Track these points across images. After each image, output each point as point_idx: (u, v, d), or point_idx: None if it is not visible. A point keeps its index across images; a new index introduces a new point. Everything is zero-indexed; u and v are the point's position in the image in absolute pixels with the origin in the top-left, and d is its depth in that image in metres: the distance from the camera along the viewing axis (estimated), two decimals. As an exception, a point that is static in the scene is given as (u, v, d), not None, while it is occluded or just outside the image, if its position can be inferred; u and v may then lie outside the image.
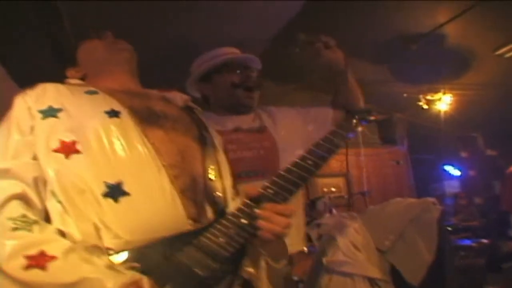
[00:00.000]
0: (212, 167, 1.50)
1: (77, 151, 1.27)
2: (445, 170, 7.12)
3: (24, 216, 1.17)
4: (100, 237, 1.18)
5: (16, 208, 1.18)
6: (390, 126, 6.34)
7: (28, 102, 1.39)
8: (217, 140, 1.65)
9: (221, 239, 1.22)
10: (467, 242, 5.22)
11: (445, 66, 5.50)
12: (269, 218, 1.25)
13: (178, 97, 1.69)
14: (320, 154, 1.36)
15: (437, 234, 2.66)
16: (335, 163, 6.13)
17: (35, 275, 1.07)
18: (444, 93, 6.09)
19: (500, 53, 5.34)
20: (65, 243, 1.16)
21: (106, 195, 1.22)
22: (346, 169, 5.80)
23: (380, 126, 6.41)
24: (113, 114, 1.38)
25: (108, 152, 1.29)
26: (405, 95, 6.02)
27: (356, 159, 6.38)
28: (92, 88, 1.51)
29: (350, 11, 4.27)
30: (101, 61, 1.66)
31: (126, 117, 1.39)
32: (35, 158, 1.28)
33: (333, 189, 6.09)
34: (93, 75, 1.66)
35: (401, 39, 4.85)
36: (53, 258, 1.10)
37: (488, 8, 4.33)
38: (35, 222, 1.18)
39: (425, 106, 6.14)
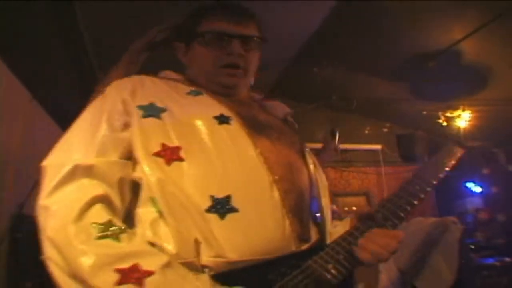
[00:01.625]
0: (318, 182, 1.43)
1: (180, 158, 1.17)
2: (466, 187, 7.05)
3: (110, 222, 1.06)
4: (198, 254, 1.07)
5: (100, 213, 1.08)
6: (410, 143, 6.32)
7: (123, 94, 1.30)
8: (313, 157, 1.54)
9: (330, 265, 1.13)
10: (490, 261, 5.16)
11: (464, 83, 5.48)
12: (378, 242, 1.16)
13: (280, 108, 1.60)
14: (426, 179, 1.34)
15: (458, 254, 2.65)
16: (356, 181, 6.13)
17: None
18: (463, 110, 6.04)
19: (519, 68, 5.33)
20: (162, 257, 1.04)
21: (210, 210, 1.11)
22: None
23: (400, 144, 6.41)
24: (223, 120, 1.29)
25: (216, 162, 1.19)
26: (424, 112, 5.99)
27: (377, 177, 6.36)
28: (194, 88, 1.43)
29: (368, 29, 4.30)
30: (206, 69, 1.49)
31: (236, 124, 1.30)
32: (123, 157, 1.19)
33: (354, 208, 6.06)
34: (195, 72, 1.53)
35: (418, 57, 4.86)
36: (149, 273, 0.98)
37: (504, 24, 4.33)
38: (123, 230, 1.07)
39: (445, 123, 6.11)
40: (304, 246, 1.21)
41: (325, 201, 1.43)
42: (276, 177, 1.22)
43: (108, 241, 1.02)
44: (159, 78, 1.49)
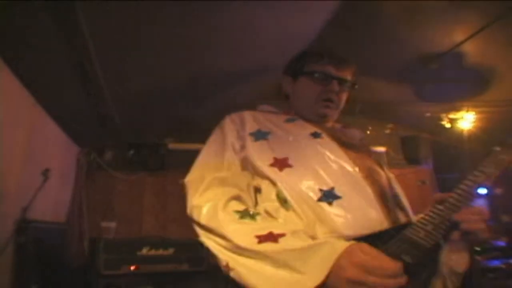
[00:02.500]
0: (395, 186, 1.79)
1: (289, 165, 1.59)
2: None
3: (246, 209, 1.47)
4: (315, 232, 1.42)
5: (238, 205, 1.50)
6: (414, 146, 6.31)
7: (236, 126, 1.77)
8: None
9: (421, 233, 1.38)
10: (496, 263, 5.14)
11: (466, 84, 5.48)
12: (473, 216, 1.42)
13: (356, 133, 2.01)
14: (487, 169, 1.56)
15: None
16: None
17: (268, 246, 1.30)
18: (467, 111, 6.04)
19: (522, 70, 5.32)
20: (290, 226, 1.41)
21: (321, 199, 1.49)
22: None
23: (405, 146, 6.39)
24: (317, 135, 1.74)
25: (317, 164, 1.59)
26: (428, 114, 5.99)
27: (435, 200, 6.29)
28: (290, 116, 1.91)
29: (370, 32, 4.29)
30: (308, 100, 1.95)
31: (327, 138, 1.74)
32: (243, 169, 1.64)
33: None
34: (297, 100, 2.01)
35: (421, 59, 4.86)
36: (282, 235, 1.33)
37: (506, 25, 4.33)
38: (257, 213, 1.48)
39: (448, 125, 6.10)
40: (398, 224, 1.53)
41: (402, 194, 1.81)
42: (364, 174, 1.62)
43: (247, 219, 1.43)
44: (258, 111, 1.96)
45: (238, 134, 1.73)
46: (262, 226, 1.39)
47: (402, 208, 1.70)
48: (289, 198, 1.49)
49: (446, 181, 6.96)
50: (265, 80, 4.71)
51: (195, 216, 1.50)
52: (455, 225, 1.40)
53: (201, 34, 3.51)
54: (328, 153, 1.65)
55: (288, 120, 1.86)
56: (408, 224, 1.47)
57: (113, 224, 5.17)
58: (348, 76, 1.96)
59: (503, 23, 4.25)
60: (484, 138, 6.05)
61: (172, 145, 5.59)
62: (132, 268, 4.47)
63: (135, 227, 5.41)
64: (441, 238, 1.39)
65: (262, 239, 1.32)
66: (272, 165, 1.59)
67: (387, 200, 1.62)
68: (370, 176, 1.66)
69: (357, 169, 1.63)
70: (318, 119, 1.92)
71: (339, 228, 1.42)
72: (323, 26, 3.81)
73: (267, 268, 1.28)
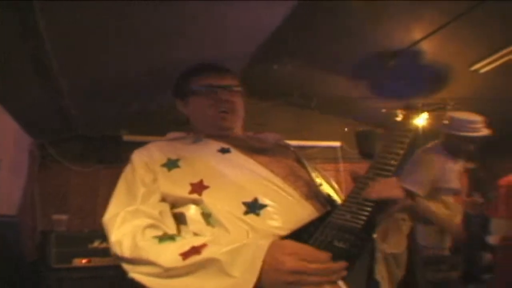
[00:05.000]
0: (317, 175, 1.78)
1: (206, 187, 1.57)
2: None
3: (165, 233, 1.47)
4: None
5: (155, 231, 1.49)
6: (369, 141, 6.38)
7: (144, 159, 1.74)
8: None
9: (347, 216, 1.39)
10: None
11: (423, 82, 5.57)
12: (382, 185, 1.46)
13: (270, 137, 2.02)
14: (400, 136, 1.66)
15: (406, 250, 2.67)
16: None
17: (193, 259, 1.29)
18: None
19: (476, 69, 5.43)
20: (209, 237, 1.43)
21: (247, 213, 1.48)
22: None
23: (359, 141, 6.47)
24: (225, 151, 1.75)
25: (234, 179, 1.59)
26: (383, 110, 6.05)
27: (335, 174, 6.39)
28: (196, 137, 1.90)
29: (329, 27, 4.32)
30: (204, 117, 1.96)
31: (235, 151, 1.74)
32: (158, 200, 1.62)
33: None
34: (198, 119, 2.00)
35: (379, 55, 4.91)
36: (204, 245, 1.32)
37: (463, 25, 4.41)
38: (175, 235, 1.49)
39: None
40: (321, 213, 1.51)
41: (333, 184, 1.86)
42: (282, 176, 1.63)
43: (167, 242, 1.42)
44: (165, 140, 1.95)
45: (147, 167, 1.71)
46: (183, 243, 1.39)
47: (330, 197, 1.68)
48: (214, 213, 1.49)
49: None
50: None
51: (118, 251, 1.49)
52: (373, 200, 1.42)
53: (158, 26, 3.47)
54: (240, 166, 1.66)
55: (194, 141, 1.87)
56: (333, 210, 1.47)
57: (64, 217, 5.06)
58: (233, 81, 1.99)
59: (461, 23, 4.34)
60: (437, 135, 6.17)
61: (127, 137, 5.52)
62: (84, 261, 4.39)
63: (89, 220, 5.30)
64: (368, 216, 1.39)
65: (186, 255, 1.32)
66: (191, 192, 1.57)
67: (314, 194, 1.63)
68: (291, 175, 1.67)
69: (274, 173, 1.64)
70: (222, 133, 1.92)
71: (273, 233, 1.41)
72: (283, 20, 3.80)
73: (197, 282, 1.28)
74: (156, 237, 1.44)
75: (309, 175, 1.76)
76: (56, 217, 5.05)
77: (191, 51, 3.93)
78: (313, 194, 1.63)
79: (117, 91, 4.64)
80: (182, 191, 1.58)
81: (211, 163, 1.68)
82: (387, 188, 1.45)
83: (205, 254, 1.28)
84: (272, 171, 1.64)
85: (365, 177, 1.52)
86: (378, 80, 5.46)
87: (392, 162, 1.54)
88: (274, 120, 5.75)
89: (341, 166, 6.50)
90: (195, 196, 1.55)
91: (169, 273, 1.32)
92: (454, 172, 3.90)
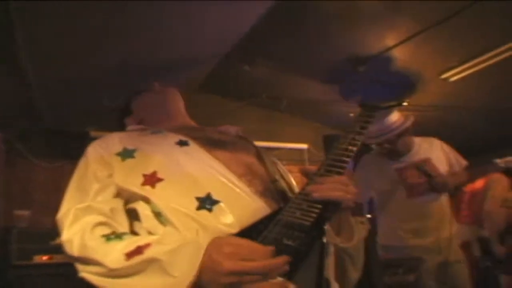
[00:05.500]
0: (275, 171, 1.75)
1: (160, 179, 1.51)
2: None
3: (113, 232, 1.41)
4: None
5: (103, 229, 1.42)
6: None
7: (100, 151, 1.65)
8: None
9: (297, 213, 1.36)
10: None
11: (393, 88, 5.61)
12: (327, 185, 1.41)
13: (231, 129, 1.96)
14: (353, 133, 1.60)
15: (364, 252, 2.68)
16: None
17: (135, 259, 1.25)
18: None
19: (446, 77, 5.51)
20: (156, 236, 1.38)
21: (200, 208, 1.43)
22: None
23: (326, 144, 6.50)
24: (183, 143, 1.68)
25: (189, 172, 1.54)
26: (351, 114, 6.08)
27: (302, 176, 6.37)
28: (155, 129, 1.82)
29: (302, 30, 4.33)
30: (156, 109, 1.99)
31: (194, 144, 1.67)
32: (112, 196, 1.55)
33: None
34: (150, 120, 1.97)
35: (350, 60, 4.94)
36: (147, 245, 1.28)
37: (434, 34, 4.47)
38: (124, 233, 1.42)
39: (371, 126, 6.22)
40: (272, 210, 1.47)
41: (290, 180, 1.81)
42: (238, 173, 1.57)
43: (114, 241, 1.36)
44: (126, 132, 1.87)
45: (102, 160, 1.62)
46: (129, 242, 1.34)
47: (285, 194, 1.65)
48: (164, 212, 1.44)
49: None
50: (196, 70, 4.70)
51: (68, 250, 1.44)
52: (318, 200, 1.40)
53: (129, 23, 3.44)
54: (196, 160, 1.60)
55: (154, 132, 1.80)
56: (283, 207, 1.43)
57: (26, 213, 4.96)
58: None
59: (433, 32, 4.39)
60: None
61: (94, 133, 5.45)
62: (45, 258, 4.34)
63: (54, 217, 5.25)
64: (318, 214, 1.36)
65: (130, 255, 1.28)
66: (143, 183, 1.51)
67: (269, 191, 1.59)
68: (248, 171, 1.63)
69: (230, 169, 1.59)
70: (177, 125, 1.90)
71: (224, 232, 1.37)
72: (257, 21, 3.79)
73: (140, 281, 1.26)
74: (104, 236, 1.40)
75: (267, 171, 1.72)
76: (18, 213, 4.96)
77: (157, 50, 3.90)
78: (269, 191, 1.59)
79: (85, 86, 4.59)
80: (134, 182, 1.52)
81: (167, 155, 1.62)
82: (331, 187, 1.41)
83: (148, 254, 1.26)
84: (228, 167, 1.59)
85: (316, 174, 1.49)
86: (348, 85, 5.48)
87: (344, 159, 1.50)
88: (242, 121, 5.71)
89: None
90: (147, 188, 1.49)
91: (114, 273, 1.29)
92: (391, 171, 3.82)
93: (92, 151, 1.67)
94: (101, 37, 3.60)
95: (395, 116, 3.70)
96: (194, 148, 1.66)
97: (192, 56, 4.30)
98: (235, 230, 1.36)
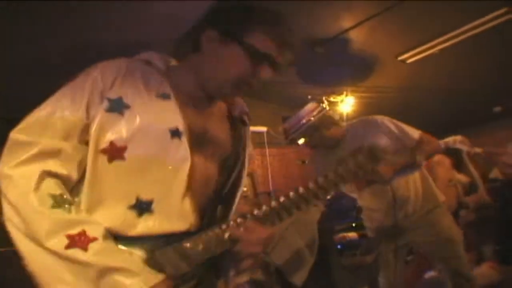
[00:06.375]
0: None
1: (122, 158, 1.29)
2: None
3: (61, 195, 1.23)
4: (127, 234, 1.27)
5: (55, 186, 1.23)
6: (294, 126, 6.45)
7: (102, 82, 1.35)
8: (248, 158, 1.66)
9: (200, 247, 1.29)
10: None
11: (350, 70, 5.65)
12: (247, 237, 1.32)
13: (238, 107, 1.66)
14: (321, 187, 1.37)
15: (317, 235, 2.73)
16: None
17: (76, 254, 1.15)
18: (347, 95, 6.26)
19: (403, 59, 5.57)
20: (104, 226, 1.23)
21: (133, 207, 1.27)
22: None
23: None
24: (175, 134, 1.35)
25: (152, 169, 1.32)
26: (309, 96, 6.12)
27: (261, 158, 6.44)
28: (167, 91, 1.41)
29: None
30: (231, 71, 1.44)
31: (184, 140, 1.36)
32: (83, 142, 1.30)
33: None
34: (207, 65, 1.47)
35: (307, 42, 4.94)
36: (94, 239, 1.18)
37: (392, 16, 4.49)
38: (72, 203, 1.24)
39: (327, 108, 6.29)
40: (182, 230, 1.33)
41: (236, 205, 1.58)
42: (190, 192, 1.34)
43: (60, 210, 1.20)
44: (142, 65, 1.47)
45: (99, 95, 1.34)
46: (75, 220, 1.20)
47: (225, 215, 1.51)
48: (104, 197, 1.28)
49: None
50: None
51: (4, 187, 1.23)
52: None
53: (81, 6, 3.38)
54: (171, 160, 1.34)
55: (161, 96, 1.39)
56: (198, 233, 1.33)
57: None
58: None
59: (389, 14, 4.42)
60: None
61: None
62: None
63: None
64: (219, 252, 1.32)
65: (71, 241, 1.16)
66: (103, 151, 1.29)
67: (209, 217, 1.43)
68: (197, 193, 1.39)
69: (185, 185, 1.35)
70: (211, 100, 1.54)
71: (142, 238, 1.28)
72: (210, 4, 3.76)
73: (69, 277, 1.16)
74: (51, 196, 1.21)
75: (223, 187, 1.51)
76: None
77: (110, 34, 3.84)
78: (211, 217, 1.43)
79: (36, 71, 4.51)
80: (96, 144, 1.29)
81: (151, 140, 1.33)
82: (251, 242, 1.34)
83: (90, 256, 1.16)
84: (188, 181, 1.35)
85: (242, 215, 1.37)
86: (306, 67, 5.49)
87: (291, 210, 1.39)
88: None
89: (267, 151, 6.51)
90: (103, 158, 1.28)
91: (45, 250, 1.16)
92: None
93: (94, 81, 1.35)
94: (50, 19, 3.53)
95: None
96: (180, 146, 1.35)
97: (148, 42, 4.25)
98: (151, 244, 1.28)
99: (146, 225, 1.28)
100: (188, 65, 1.53)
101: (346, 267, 3.94)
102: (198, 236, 1.31)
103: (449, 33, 4.99)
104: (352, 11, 4.62)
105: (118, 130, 1.30)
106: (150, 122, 1.33)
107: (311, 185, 1.36)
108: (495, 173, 5.22)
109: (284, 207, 1.36)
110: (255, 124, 6.55)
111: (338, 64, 5.46)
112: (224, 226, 1.33)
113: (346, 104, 6.34)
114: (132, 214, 1.28)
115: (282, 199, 1.36)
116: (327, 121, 3.32)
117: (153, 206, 1.29)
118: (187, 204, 1.34)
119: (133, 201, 1.28)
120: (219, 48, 1.45)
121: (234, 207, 1.57)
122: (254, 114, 5.73)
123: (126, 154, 1.29)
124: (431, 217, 3.18)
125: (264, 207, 1.36)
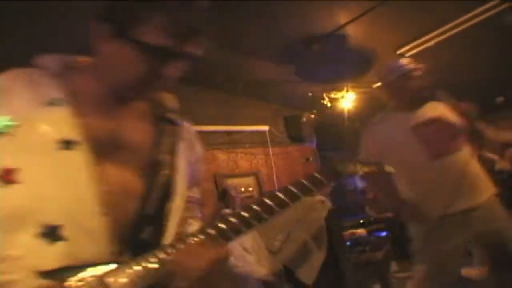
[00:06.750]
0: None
1: (16, 181, 1.11)
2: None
3: None
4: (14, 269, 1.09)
5: None
6: (297, 124, 6.45)
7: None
8: (189, 164, 1.42)
9: (122, 280, 1.11)
10: (381, 234, 5.37)
11: (348, 66, 5.63)
12: (181, 264, 1.16)
13: (163, 104, 1.42)
14: (281, 198, 1.24)
15: (325, 232, 2.70)
16: (244, 162, 6.14)
17: None
18: (347, 91, 6.25)
19: (401, 53, 5.55)
20: None
21: (40, 235, 1.09)
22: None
23: (288, 124, 6.52)
24: (67, 145, 1.16)
25: (52, 189, 1.13)
26: (310, 94, 6.12)
27: (265, 157, 6.42)
28: (59, 97, 1.21)
29: (253, 10, 4.28)
30: (130, 74, 1.22)
31: (81, 151, 1.17)
32: None
33: (242, 189, 6.07)
34: (105, 69, 1.26)
35: (303, 39, 4.92)
36: None
37: (388, 10, 4.47)
38: None
39: (329, 104, 6.30)
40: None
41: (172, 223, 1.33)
42: (106, 210, 1.16)
43: None
44: (32, 72, 1.26)
45: None
46: None
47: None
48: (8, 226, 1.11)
49: (330, 158, 7.14)
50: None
51: None
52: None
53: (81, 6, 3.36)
54: (69, 176, 1.16)
55: (49, 104, 1.20)
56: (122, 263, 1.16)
57: None
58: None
59: (387, 8, 4.40)
60: (363, 116, 6.29)
61: None
62: None
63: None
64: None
65: None
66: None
67: (129, 237, 1.23)
68: (115, 209, 1.19)
69: (97, 203, 1.16)
70: (120, 101, 1.30)
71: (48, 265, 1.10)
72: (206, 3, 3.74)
73: None
74: None
75: (148, 200, 1.30)
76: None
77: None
78: (132, 238, 1.24)
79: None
80: None
81: (41, 156, 1.16)
82: (188, 267, 1.16)
83: None
84: (101, 199, 1.17)
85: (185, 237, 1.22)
86: (304, 64, 5.48)
87: (242, 228, 1.23)
88: (199, 107, 5.64)
89: (270, 150, 6.49)
90: None
91: None
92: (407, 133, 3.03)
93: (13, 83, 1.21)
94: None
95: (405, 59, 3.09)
96: (76, 158, 1.17)
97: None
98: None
99: (59, 255, 1.11)
100: (91, 65, 1.33)
101: (355, 264, 3.92)
102: (121, 268, 1.13)
103: (447, 24, 4.98)
104: (347, 6, 4.60)
105: (8, 151, 1.14)
106: (36, 137, 1.16)
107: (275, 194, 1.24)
108: (500, 165, 5.21)
109: (244, 220, 1.21)
110: (255, 124, 6.56)
111: (337, 61, 5.43)
112: (157, 253, 1.16)
113: (347, 100, 6.33)
114: (40, 243, 1.10)
115: (242, 212, 1.22)
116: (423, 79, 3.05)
117: (64, 232, 1.11)
118: (104, 226, 1.16)
119: (39, 229, 1.10)
120: (113, 47, 1.23)
121: (171, 228, 1.31)
122: (255, 113, 5.77)
123: (20, 176, 1.12)
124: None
125: (217, 224, 1.21)
